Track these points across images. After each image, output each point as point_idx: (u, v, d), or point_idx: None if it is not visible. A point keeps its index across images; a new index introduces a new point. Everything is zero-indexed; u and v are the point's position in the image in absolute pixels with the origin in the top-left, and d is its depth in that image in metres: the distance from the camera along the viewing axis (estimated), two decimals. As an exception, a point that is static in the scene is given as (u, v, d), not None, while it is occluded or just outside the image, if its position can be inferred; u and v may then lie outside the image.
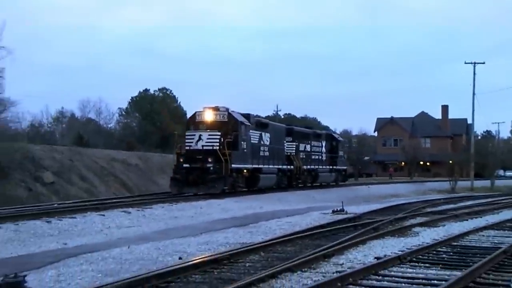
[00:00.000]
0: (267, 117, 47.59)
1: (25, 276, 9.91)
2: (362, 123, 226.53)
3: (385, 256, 13.22)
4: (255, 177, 35.58)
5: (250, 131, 34.88)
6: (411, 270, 11.94)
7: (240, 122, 33.15)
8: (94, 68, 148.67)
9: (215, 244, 16.01)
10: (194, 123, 33.49)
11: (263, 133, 36.92)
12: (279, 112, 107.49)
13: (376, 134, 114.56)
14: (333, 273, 11.20)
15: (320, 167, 47.44)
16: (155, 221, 21.99)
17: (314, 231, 17.88)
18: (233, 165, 31.45)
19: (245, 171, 34.25)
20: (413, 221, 21.84)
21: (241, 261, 12.76)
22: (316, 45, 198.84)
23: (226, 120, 32.92)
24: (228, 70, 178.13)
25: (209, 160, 30.53)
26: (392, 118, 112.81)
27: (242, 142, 33.08)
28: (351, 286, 10.23)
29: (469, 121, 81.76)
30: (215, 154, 30.63)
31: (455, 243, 15.95)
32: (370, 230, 18.30)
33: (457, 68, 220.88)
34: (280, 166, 39.36)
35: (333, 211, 25.95)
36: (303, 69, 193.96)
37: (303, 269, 11.65)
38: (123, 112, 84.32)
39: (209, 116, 32.86)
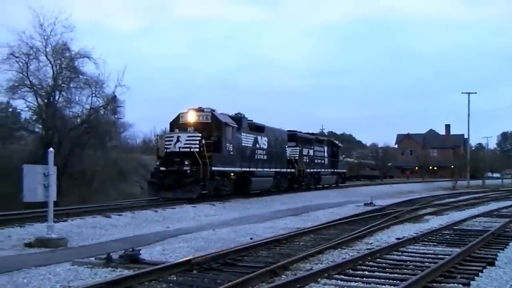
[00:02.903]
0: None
1: (139, 250, 10.04)
2: (386, 138, 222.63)
3: (403, 237, 12.96)
4: (247, 180, 27.22)
5: (242, 134, 27.05)
6: (423, 248, 11.70)
7: (225, 123, 24.91)
8: (188, 98, 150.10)
9: (277, 228, 15.97)
10: (178, 124, 24.89)
11: (259, 137, 28.93)
12: (323, 130, 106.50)
13: (396, 146, 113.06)
14: (365, 250, 11.06)
15: (323, 170, 39.88)
16: (233, 211, 22.05)
17: (350, 219, 17.71)
18: (214, 168, 23.43)
19: (232, 174, 26.07)
20: (424, 211, 21.41)
21: (296, 241, 12.67)
22: (351, 79, 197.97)
23: (209, 121, 24.60)
24: (285, 98, 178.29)
25: (186, 162, 22.69)
26: (408, 134, 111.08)
27: (228, 144, 25.00)
28: (378, 259, 10.06)
29: (466, 136, 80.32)
30: (193, 156, 22.69)
31: (456, 227, 15.61)
32: (392, 218, 18.01)
33: (456, 96, 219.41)
34: (279, 169, 31.10)
35: (365, 204, 25.59)
36: (342, 97, 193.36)
37: (342, 247, 11.52)
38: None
39: (191, 117, 24.62)
